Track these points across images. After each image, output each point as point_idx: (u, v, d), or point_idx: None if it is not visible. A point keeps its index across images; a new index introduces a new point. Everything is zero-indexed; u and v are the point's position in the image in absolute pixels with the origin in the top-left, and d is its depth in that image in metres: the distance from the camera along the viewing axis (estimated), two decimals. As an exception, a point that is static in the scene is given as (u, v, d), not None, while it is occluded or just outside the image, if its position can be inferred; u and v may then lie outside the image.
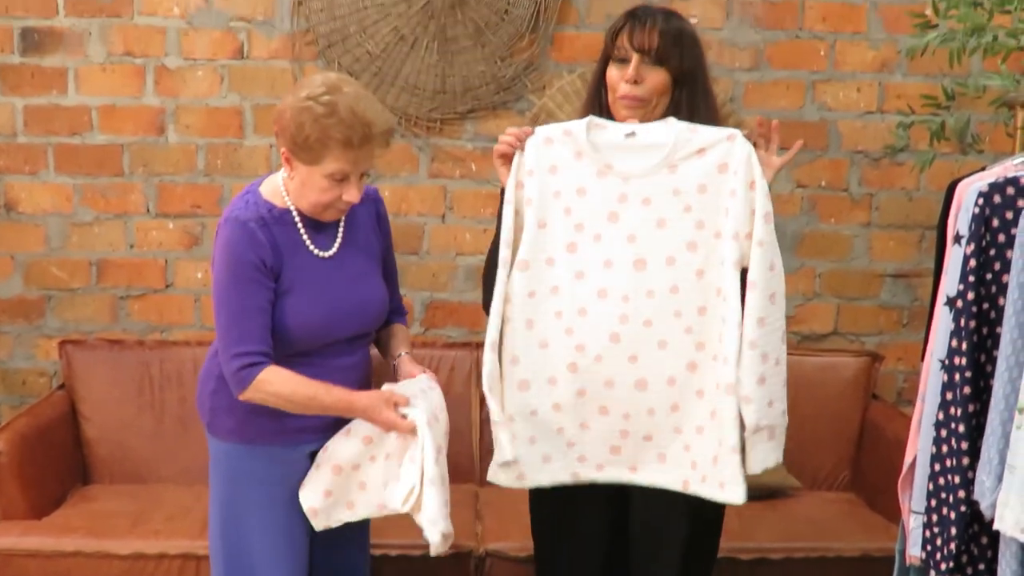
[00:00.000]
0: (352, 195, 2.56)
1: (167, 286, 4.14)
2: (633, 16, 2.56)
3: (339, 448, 2.63)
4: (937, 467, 2.52)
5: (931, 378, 2.57)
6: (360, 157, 2.54)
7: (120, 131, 4.05)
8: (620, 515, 2.64)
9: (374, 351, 2.84)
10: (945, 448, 2.50)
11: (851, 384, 4.00)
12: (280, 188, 2.64)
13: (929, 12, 3.49)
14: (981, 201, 2.47)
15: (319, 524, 2.66)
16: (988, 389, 2.45)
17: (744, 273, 2.46)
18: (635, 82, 2.52)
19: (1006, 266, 2.44)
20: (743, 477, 2.45)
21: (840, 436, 3.97)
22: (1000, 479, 2.34)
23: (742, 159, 2.46)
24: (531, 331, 2.52)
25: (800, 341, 4.21)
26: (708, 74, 2.62)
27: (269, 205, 2.61)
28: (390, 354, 2.83)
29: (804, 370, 3.92)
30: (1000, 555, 2.39)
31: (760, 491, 3.66)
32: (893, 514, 3.00)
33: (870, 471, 3.88)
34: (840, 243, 4.21)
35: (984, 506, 2.39)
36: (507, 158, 2.55)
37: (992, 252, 2.48)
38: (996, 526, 2.33)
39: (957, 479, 2.46)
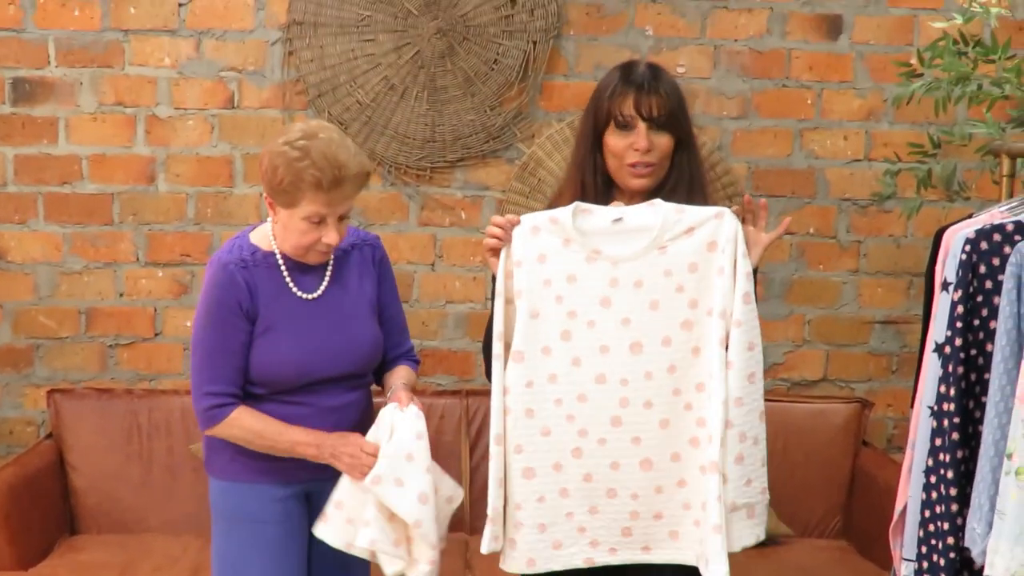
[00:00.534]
0: (331, 237, 2.62)
1: (156, 335, 4.13)
2: (629, 80, 2.55)
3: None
4: (927, 514, 2.52)
5: (920, 425, 2.57)
6: (333, 200, 2.58)
7: (110, 180, 4.06)
8: None
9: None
10: (935, 495, 2.49)
11: (841, 431, 3.99)
12: (268, 233, 2.72)
13: (914, 61, 3.53)
14: (968, 248, 2.48)
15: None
16: (977, 435, 2.46)
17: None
18: (647, 150, 2.54)
19: (993, 312, 2.45)
20: (725, 556, 2.43)
21: (831, 483, 3.96)
22: (990, 526, 2.33)
23: (730, 237, 2.46)
24: (532, 420, 2.49)
25: (790, 388, 4.21)
26: (692, 124, 2.64)
27: (254, 248, 2.70)
28: (387, 388, 2.84)
29: (794, 417, 3.92)
30: (992, 602, 2.38)
31: (751, 539, 3.65)
32: (885, 561, 2.99)
33: (861, 518, 3.87)
34: (829, 290, 4.23)
35: (975, 553, 2.38)
36: (497, 251, 2.54)
37: (980, 299, 2.49)
38: (987, 573, 2.32)
39: (947, 526, 2.45)
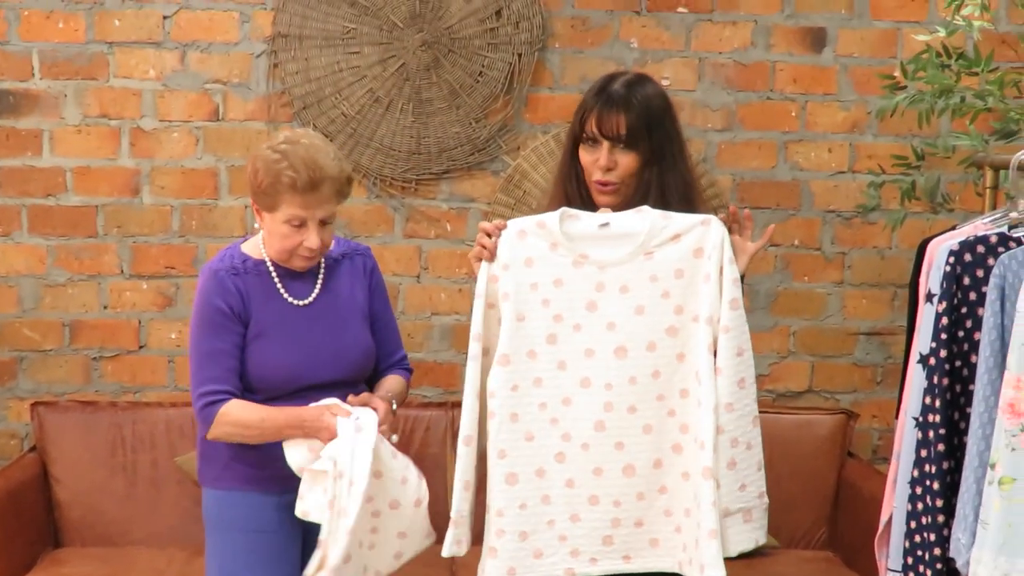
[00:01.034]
0: (312, 241, 2.66)
1: (140, 347, 4.12)
2: (599, 97, 2.55)
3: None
4: (913, 524, 2.52)
5: (905, 436, 2.58)
6: (310, 202, 2.62)
7: (95, 192, 4.05)
8: None
9: None
10: (920, 505, 2.50)
11: (827, 442, 4.00)
12: (259, 243, 2.77)
13: (898, 74, 3.54)
14: (952, 260, 2.50)
15: None
16: (962, 446, 2.46)
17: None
18: (608, 168, 2.54)
19: (977, 324, 2.46)
20: (722, 560, 2.43)
21: (816, 494, 3.96)
22: (975, 536, 2.34)
23: (716, 243, 2.47)
24: (516, 424, 2.49)
25: (775, 399, 4.22)
26: (680, 139, 2.60)
27: (245, 257, 2.75)
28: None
29: (780, 428, 3.92)
30: (977, 613, 2.39)
31: (737, 550, 3.65)
32: (870, 572, 2.99)
33: (847, 529, 3.88)
34: (814, 301, 4.24)
35: (960, 563, 2.39)
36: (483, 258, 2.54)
37: (964, 310, 2.50)
38: (972, 583, 2.33)
39: (933, 536, 2.46)
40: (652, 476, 2.48)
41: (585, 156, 2.57)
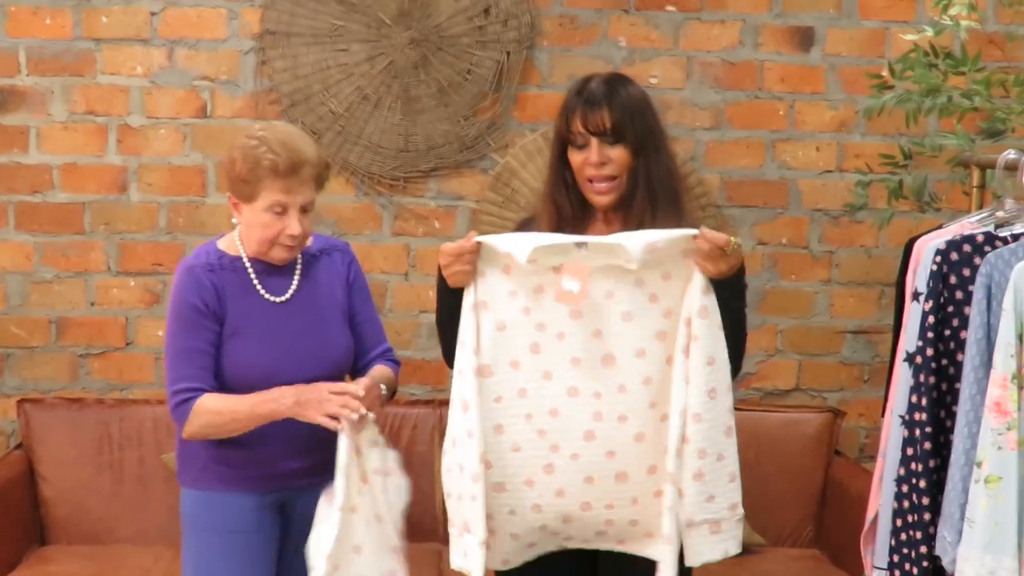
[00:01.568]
0: (294, 228, 2.63)
1: (127, 344, 4.11)
2: (579, 97, 2.54)
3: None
4: (899, 522, 2.53)
5: (892, 434, 2.59)
6: (292, 186, 2.61)
7: (82, 189, 4.04)
8: None
9: None
10: (907, 503, 2.51)
11: (813, 440, 4.01)
12: (235, 238, 2.74)
13: (885, 73, 3.55)
14: (939, 259, 2.51)
15: None
16: (948, 445, 2.47)
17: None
18: (601, 164, 2.53)
19: (964, 322, 2.47)
20: (673, 567, 2.38)
21: (803, 492, 3.97)
22: (961, 534, 2.35)
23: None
24: (502, 436, 2.43)
25: (762, 398, 4.23)
26: (662, 132, 2.59)
27: (220, 253, 2.72)
28: None
29: (767, 427, 3.93)
30: (963, 611, 2.40)
31: (724, 548, 3.66)
32: (857, 570, 3.00)
33: (833, 527, 3.88)
34: (801, 300, 4.24)
35: (946, 561, 2.40)
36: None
37: (950, 309, 2.51)
38: (958, 581, 2.34)
39: (919, 534, 2.47)
40: (647, 482, 2.42)
41: (575, 157, 2.55)
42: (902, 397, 2.55)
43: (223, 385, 2.67)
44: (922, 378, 2.49)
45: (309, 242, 2.79)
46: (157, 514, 3.78)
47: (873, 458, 2.94)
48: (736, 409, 2.44)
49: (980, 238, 2.52)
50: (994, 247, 2.48)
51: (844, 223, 4.20)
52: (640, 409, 2.40)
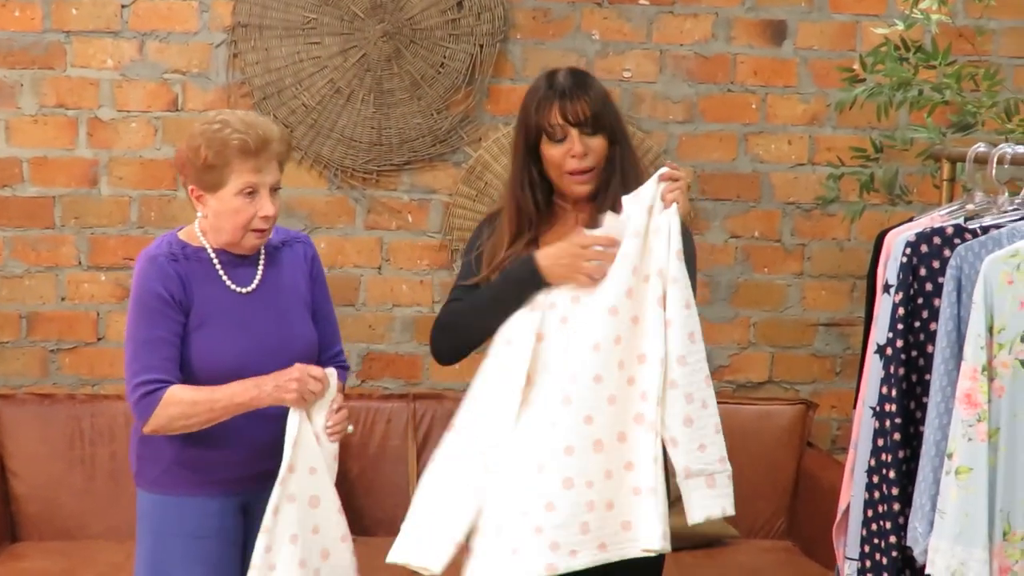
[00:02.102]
0: (267, 208, 2.59)
1: (99, 339, 4.08)
2: (552, 90, 2.56)
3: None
4: (870, 513, 2.54)
5: (863, 425, 2.60)
6: (262, 165, 2.57)
7: (52, 183, 4.01)
8: None
9: None
10: (877, 494, 2.52)
11: (786, 432, 4.03)
12: (196, 230, 2.68)
13: (857, 67, 3.57)
14: (909, 251, 2.51)
15: None
16: (919, 436, 2.49)
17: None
18: (583, 155, 2.53)
19: (934, 314, 2.48)
20: (658, 522, 2.34)
21: (776, 484, 3.99)
22: (932, 525, 2.36)
23: (658, 195, 2.44)
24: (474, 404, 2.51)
25: (735, 390, 4.24)
26: (623, 120, 2.65)
27: (183, 244, 2.66)
28: None
29: (740, 419, 3.94)
30: (933, 600, 2.41)
31: (697, 540, 3.66)
32: (829, 561, 3.02)
33: (806, 519, 3.90)
34: (774, 293, 4.26)
35: (917, 552, 2.41)
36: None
37: (920, 300, 2.52)
38: (928, 571, 2.35)
39: (889, 525, 2.48)
40: (617, 451, 2.38)
41: (553, 151, 2.55)
42: (873, 389, 2.56)
43: (189, 377, 2.58)
44: (892, 369, 2.50)
45: (271, 233, 2.72)
46: (129, 510, 3.68)
47: (845, 450, 2.95)
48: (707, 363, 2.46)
49: (950, 231, 2.53)
50: (964, 240, 2.49)
51: (816, 216, 4.22)
52: (611, 368, 2.39)
